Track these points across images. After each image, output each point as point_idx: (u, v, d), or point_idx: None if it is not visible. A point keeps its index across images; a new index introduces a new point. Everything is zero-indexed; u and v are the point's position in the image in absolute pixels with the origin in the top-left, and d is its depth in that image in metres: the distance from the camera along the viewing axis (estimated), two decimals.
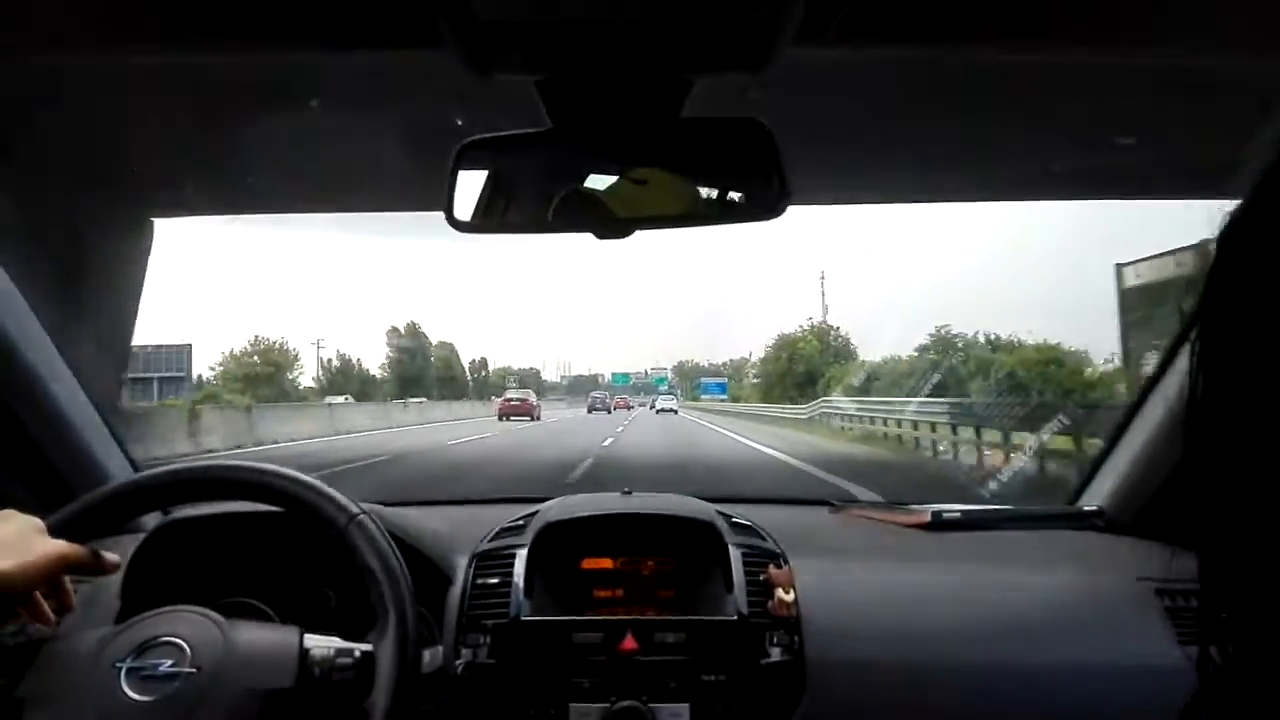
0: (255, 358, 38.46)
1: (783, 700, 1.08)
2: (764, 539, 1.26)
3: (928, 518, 1.37)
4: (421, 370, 58.84)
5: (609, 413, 37.02)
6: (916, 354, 22.74)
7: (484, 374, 74.30)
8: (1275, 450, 0.37)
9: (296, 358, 40.48)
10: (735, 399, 41.87)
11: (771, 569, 1.17)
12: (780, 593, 1.13)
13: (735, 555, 1.18)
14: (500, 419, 25.76)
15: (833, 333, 35.96)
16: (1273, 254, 0.39)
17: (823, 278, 42.53)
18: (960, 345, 21.70)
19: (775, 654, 1.10)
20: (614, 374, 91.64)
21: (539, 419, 26.53)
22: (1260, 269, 0.40)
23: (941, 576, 1.24)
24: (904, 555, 1.31)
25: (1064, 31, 0.77)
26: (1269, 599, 0.38)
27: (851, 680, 1.11)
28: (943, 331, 23.80)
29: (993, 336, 21.39)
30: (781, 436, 16.79)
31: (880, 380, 20.78)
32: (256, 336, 39.63)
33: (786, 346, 34.37)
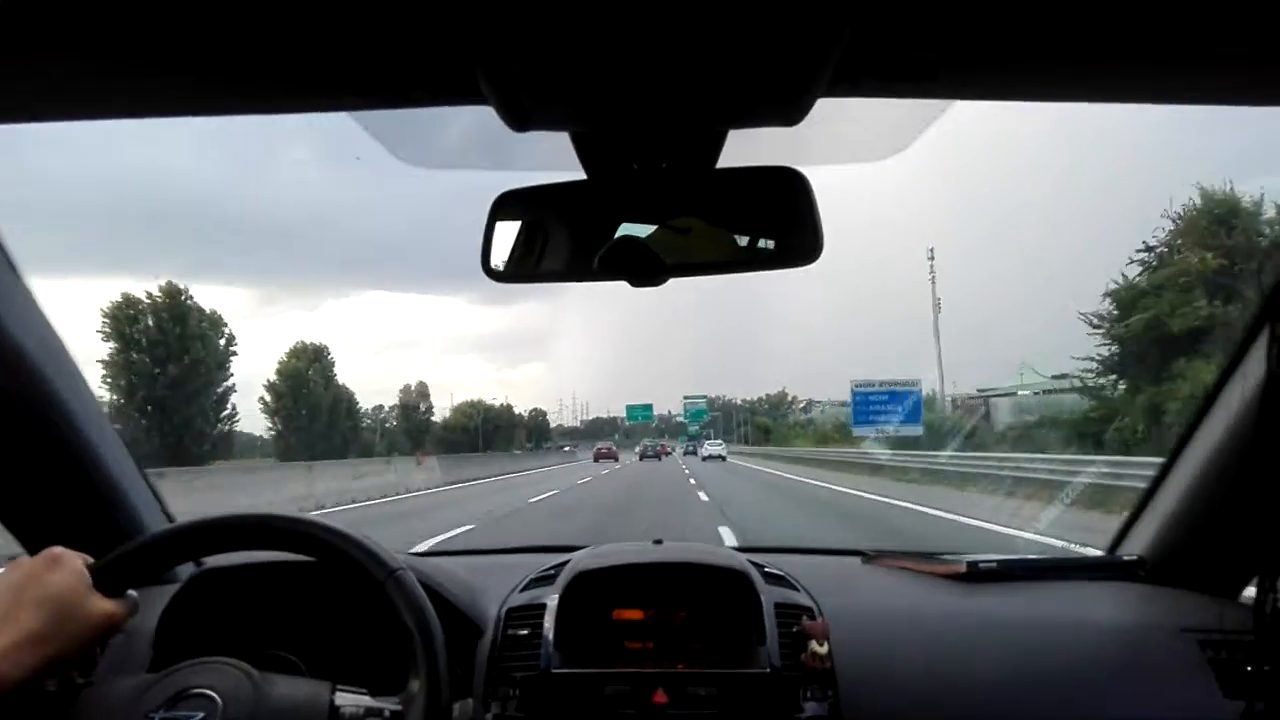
0: None
1: None
2: (797, 590, 1.24)
3: (963, 568, 1.34)
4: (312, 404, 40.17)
5: (659, 460, 38.80)
6: None
7: (423, 410, 53.93)
8: None
9: None
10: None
11: (805, 621, 1.15)
12: (814, 645, 1.11)
13: (768, 606, 1.16)
14: (595, 460, 42.50)
15: None
16: None
17: (931, 256, 33.90)
18: None
19: (809, 709, 1.08)
20: (628, 408, 78.54)
21: (619, 461, 41.29)
22: None
23: (978, 629, 1.21)
24: (940, 607, 1.28)
25: (1110, 81, 0.77)
26: None
27: None
28: None
29: None
30: None
31: None
32: None
33: None
